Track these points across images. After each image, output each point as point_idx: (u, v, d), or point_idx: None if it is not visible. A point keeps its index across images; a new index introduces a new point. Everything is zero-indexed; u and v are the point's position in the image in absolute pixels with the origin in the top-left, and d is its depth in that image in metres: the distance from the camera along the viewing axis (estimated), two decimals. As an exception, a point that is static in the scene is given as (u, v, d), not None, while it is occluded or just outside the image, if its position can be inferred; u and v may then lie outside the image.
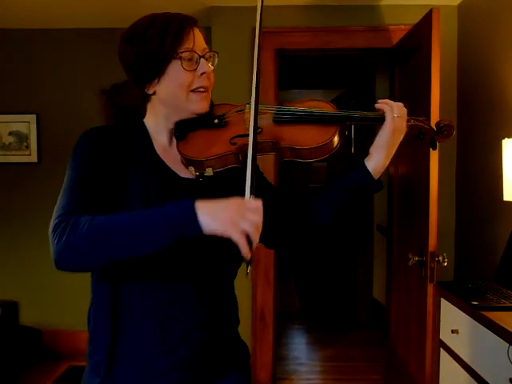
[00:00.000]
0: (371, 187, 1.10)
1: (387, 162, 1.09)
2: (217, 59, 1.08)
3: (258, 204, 0.89)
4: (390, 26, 2.87)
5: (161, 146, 1.09)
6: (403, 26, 2.78)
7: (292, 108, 1.09)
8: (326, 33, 2.90)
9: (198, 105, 1.04)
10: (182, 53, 1.00)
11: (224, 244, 0.97)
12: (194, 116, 1.06)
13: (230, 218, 0.86)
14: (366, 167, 1.09)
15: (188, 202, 0.88)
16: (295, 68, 4.50)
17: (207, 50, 1.05)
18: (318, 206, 1.14)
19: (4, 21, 3.28)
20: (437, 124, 1.18)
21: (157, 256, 0.93)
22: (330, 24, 2.91)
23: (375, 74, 4.21)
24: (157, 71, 1.01)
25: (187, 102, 1.04)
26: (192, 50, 1.02)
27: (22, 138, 3.48)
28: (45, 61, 3.45)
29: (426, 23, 2.29)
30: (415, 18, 2.47)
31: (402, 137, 1.10)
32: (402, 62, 2.77)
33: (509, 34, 2.30)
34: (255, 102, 0.99)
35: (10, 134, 3.47)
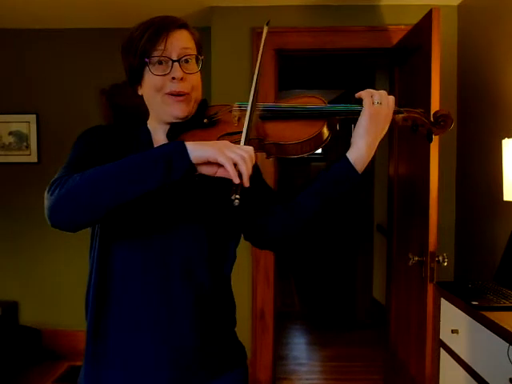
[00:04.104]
0: (353, 178, 1.05)
1: (370, 152, 1.05)
2: (201, 61, 1.08)
3: (248, 147, 0.93)
4: (390, 26, 2.87)
5: None
6: (403, 26, 2.78)
7: (277, 104, 1.09)
8: (326, 33, 2.90)
9: (173, 108, 1.05)
10: (151, 57, 1.02)
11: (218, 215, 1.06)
12: (175, 120, 1.07)
13: (218, 147, 0.90)
14: (347, 158, 1.05)
15: (176, 141, 0.93)
16: (295, 68, 4.50)
17: (186, 54, 1.04)
18: (302, 201, 1.10)
19: (4, 21, 3.28)
20: (434, 114, 1.13)
21: (144, 221, 1.01)
22: (330, 24, 2.91)
23: (375, 74, 4.21)
24: (137, 76, 1.06)
25: (162, 105, 1.06)
26: (161, 56, 1.02)
27: (22, 138, 3.47)
28: (45, 61, 3.45)
29: (426, 23, 2.29)
30: (415, 18, 2.47)
31: (385, 126, 1.06)
32: (402, 62, 2.77)
33: (509, 33, 2.30)
34: (254, 94, 1.03)
35: (10, 133, 3.47)
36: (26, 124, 3.46)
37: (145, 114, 1.15)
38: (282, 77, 3.03)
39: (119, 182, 0.89)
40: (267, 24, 1.13)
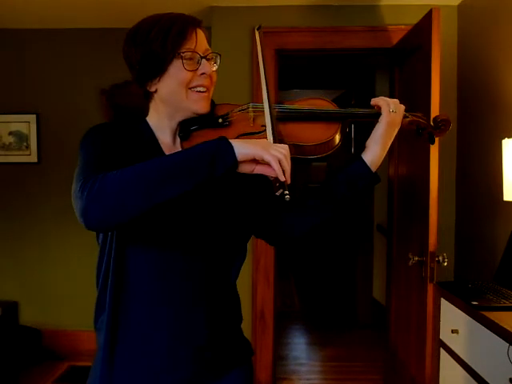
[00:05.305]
0: (370, 179, 1.13)
1: (383, 155, 1.13)
2: (219, 60, 1.09)
3: (283, 145, 0.95)
4: (390, 26, 2.87)
5: (165, 145, 1.10)
6: (403, 26, 2.78)
7: (296, 106, 1.12)
8: (326, 33, 2.90)
9: (198, 104, 1.06)
10: (183, 53, 1.02)
11: (235, 218, 1.10)
12: (195, 116, 1.07)
13: (261, 145, 0.92)
14: (363, 160, 1.12)
15: (220, 138, 0.92)
16: (295, 68, 4.50)
17: (209, 51, 1.07)
18: (317, 202, 1.16)
19: (4, 21, 3.28)
20: (434, 119, 1.20)
21: (165, 223, 1.00)
22: (330, 24, 2.91)
23: (375, 74, 4.21)
24: (159, 70, 1.03)
25: (187, 100, 1.05)
26: (193, 51, 1.03)
27: (22, 138, 3.47)
28: (45, 61, 3.45)
29: (426, 23, 2.30)
30: (415, 18, 2.47)
31: (396, 131, 1.13)
32: (402, 62, 2.77)
33: (509, 33, 2.30)
34: (267, 93, 1.06)
35: (10, 133, 3.47)
36: (26, 124, 3.46)
37: (147, 112, 1.14)
38: (282, 77, 3.04)
39: (163, 180, 0.88)
40: (258, 29, 1.14)
